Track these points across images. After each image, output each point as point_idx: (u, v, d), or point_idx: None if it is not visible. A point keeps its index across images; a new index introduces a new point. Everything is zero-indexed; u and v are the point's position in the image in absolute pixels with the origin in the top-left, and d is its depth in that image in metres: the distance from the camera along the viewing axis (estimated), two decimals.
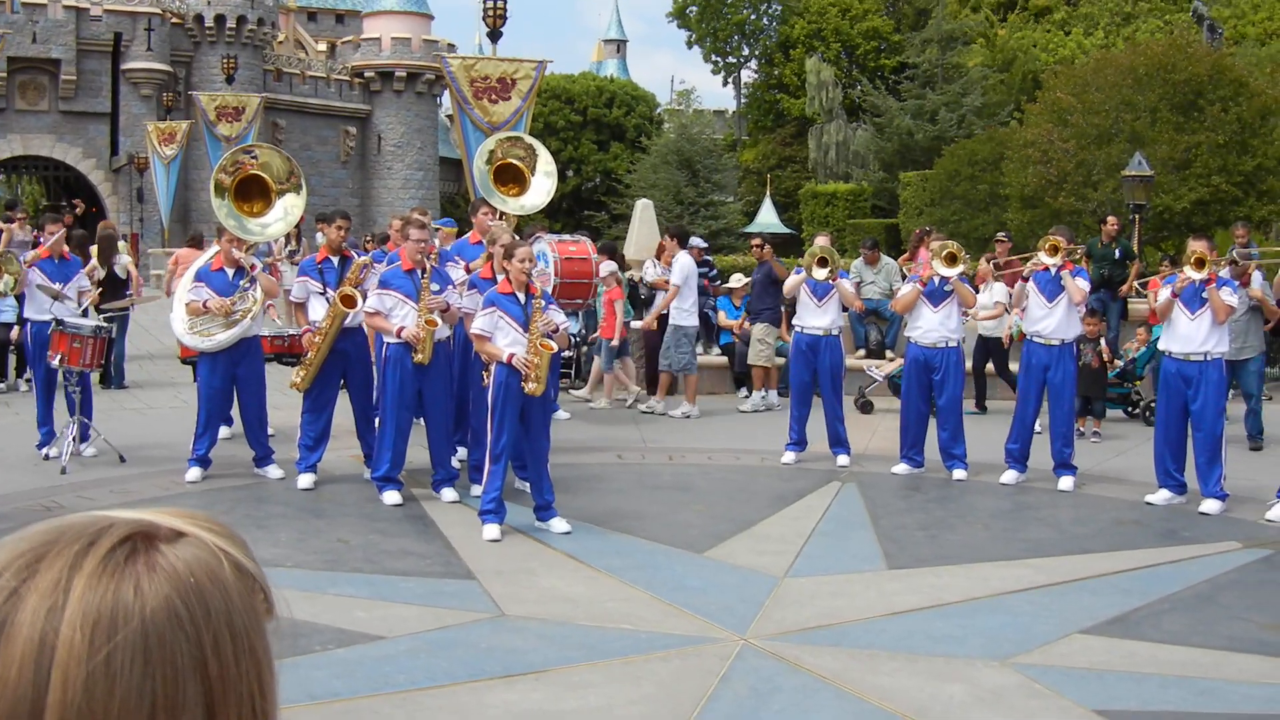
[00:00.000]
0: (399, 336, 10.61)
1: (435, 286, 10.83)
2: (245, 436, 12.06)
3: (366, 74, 59.71)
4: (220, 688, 1.04)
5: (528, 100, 21.40)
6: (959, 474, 12.33)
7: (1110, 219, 19.00)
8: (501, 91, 21.07)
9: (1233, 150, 24.73)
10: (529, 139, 14.11)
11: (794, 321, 13.52)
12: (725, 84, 64.44)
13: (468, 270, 11.76)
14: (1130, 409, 15.95)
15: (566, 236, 13.96)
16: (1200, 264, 11.03)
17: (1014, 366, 13.43)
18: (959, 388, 12.58)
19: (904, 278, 16.54)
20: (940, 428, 12.54)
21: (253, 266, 11.71)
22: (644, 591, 8.62)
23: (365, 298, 11.15)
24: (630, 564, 9.14)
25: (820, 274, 12.73)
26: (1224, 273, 11.66)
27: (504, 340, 9.77)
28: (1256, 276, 14.42)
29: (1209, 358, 11.22)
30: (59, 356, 11.85)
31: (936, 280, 12.39)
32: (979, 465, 12.53)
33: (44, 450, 12.36)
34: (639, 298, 18.05)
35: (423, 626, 7.80)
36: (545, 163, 13.46)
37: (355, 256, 11.87)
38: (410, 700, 6.59)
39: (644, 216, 22.37)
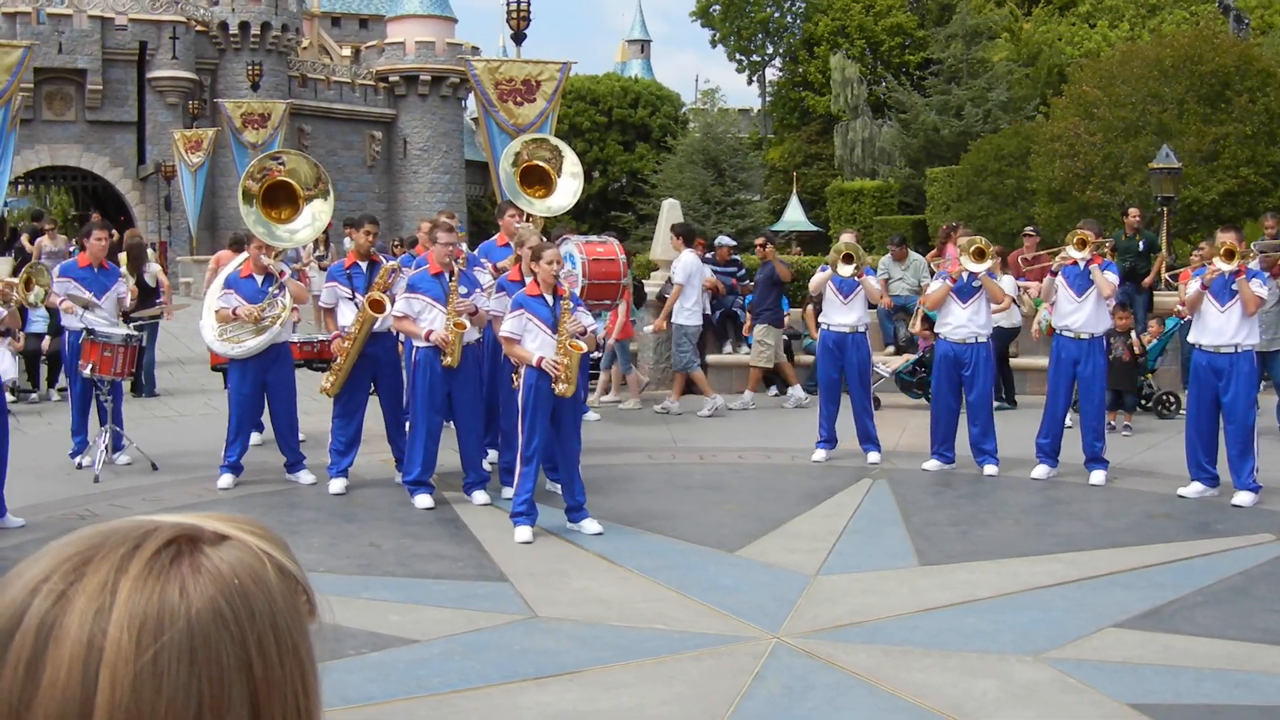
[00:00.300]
0: (427, 340, 10.61)
1: (463, 290, 10.79)
2: (276, 442, 12.12)
3: (391, 78, 59.88)
4: (265, 688, 1.06)
5: (553, 102, 21.44)
6: (990, 469, 12.31)
7: (1132, 211, 18.94)
8: (526, 93, 21.11)
9: (1261, 141, 24.59)
10: (554, 140, 14.09)
11: (820, 319, 13.52)
12: (750, 82, 64.40)
13: (495, 273, 11.78)
14: (1145, 402, 15.87)
15: (594, 238, 13.90)
16: (1230, 255, 10.99)
17: (1043, 361, 13.38)
18: (989, 383, 12.57)
19: (932, 274, 16.52)
20: (971, 423, 12.52)
21: (281, 273, 11.71)
22: (676, 591, 8.63)
23: (394, 302, 11.14)
24: (662, 564, 9.16)
25: (846, 270, 12.72)
26: (1253, 264, 11.62)
27: (533, 343, 9.79)
28: None
29: (1239, 349, 11.18)
30: (90, 365, 11.91)
31: (965, 276, 12.38)
32: (1010, 460, 12.50)
33: (77, 459, 12.44)
34: (662, 298, 18.08)
35: (456, 629, 7.83)
36: (571, 164, 13.46)
37: (384, 261, 11.88)
38: (444, 703, 6.62)
39: (670, 217, 22.35)
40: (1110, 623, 7.99)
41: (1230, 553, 9.67)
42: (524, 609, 8.26)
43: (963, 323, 12.43)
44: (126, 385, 13.72)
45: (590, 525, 9.98)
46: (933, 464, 12.57)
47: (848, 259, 12.73)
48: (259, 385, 11.76)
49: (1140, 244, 18.24)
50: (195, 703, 1.01)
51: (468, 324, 10.65)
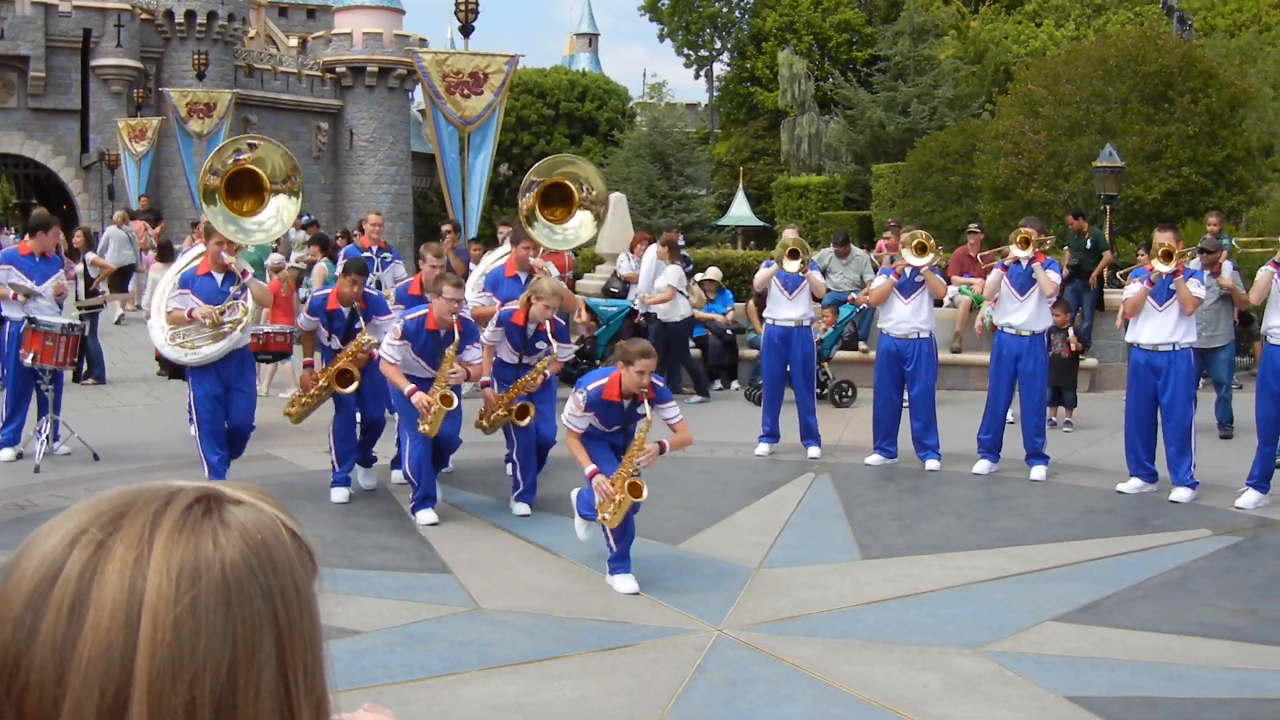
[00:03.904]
0: (409, 398, 9.90)
1: (453, 367, 10.00)
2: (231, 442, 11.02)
3: (338, 69, 59.52)
4: (289, 638, 1.13)
5: (500, 94, 21.42)
6: (932, 464, 12.39)
7: (1069, 218, 19.12)
8: (474, 86, 21.08)
9: (1202, 141, 24.83)
10: (584, 165, 13.28)
11: (765, 314, 13.56)
12: (697, 77, 64.54)
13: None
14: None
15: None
16: (1168, 257, 11.11)
17: (985, 357, 13.48)
18: (931, 378, 12.64)
19: (875, 269, 16.62)
20: (913, 418, 12.61)
21: (244, 272, 10.83)
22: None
23: (378, 343, 10.41)
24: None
25: (792, 266, 12.76)
26: (1192, 264, 11.75)
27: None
28: (1227, 266, 14.52)
29: (1177, 348, 11.31)
30: (32, 355, 11.80)
31: (907, 271, 12.46)
32: (952, 455, 12.59)
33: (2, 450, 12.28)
34: (610, 293, 18.11)
35: (399, 620, 7.83)
36: (596, 196, 12.74)
37: (366, 310, 10.95)
38: (387, 694, 6.61)
39: (617, 210, 22.36)
40: (1050, 616, 8.07)
41: (1168, 548, 9.79)
42: (467, 601, 8.26)
43: (905, 318, 12.50)
44: (68, 375, 13.59)
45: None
46: (875, 458, 12.65)
47: (794, 254, 12.77)
48: (222, 391, 10.79)
49: (1089, 242, 18.42)
50: (230, 646, 1.08)
51: (455, 399, 10.07)
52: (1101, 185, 19.89)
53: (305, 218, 24.14)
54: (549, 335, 10.35)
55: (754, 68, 57.25)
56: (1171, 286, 11.19)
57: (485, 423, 10.65)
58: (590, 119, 62.51)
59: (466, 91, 20.96)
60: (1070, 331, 14.96)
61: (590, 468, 8.48)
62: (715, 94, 63.61)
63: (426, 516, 10.03)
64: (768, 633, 7.71)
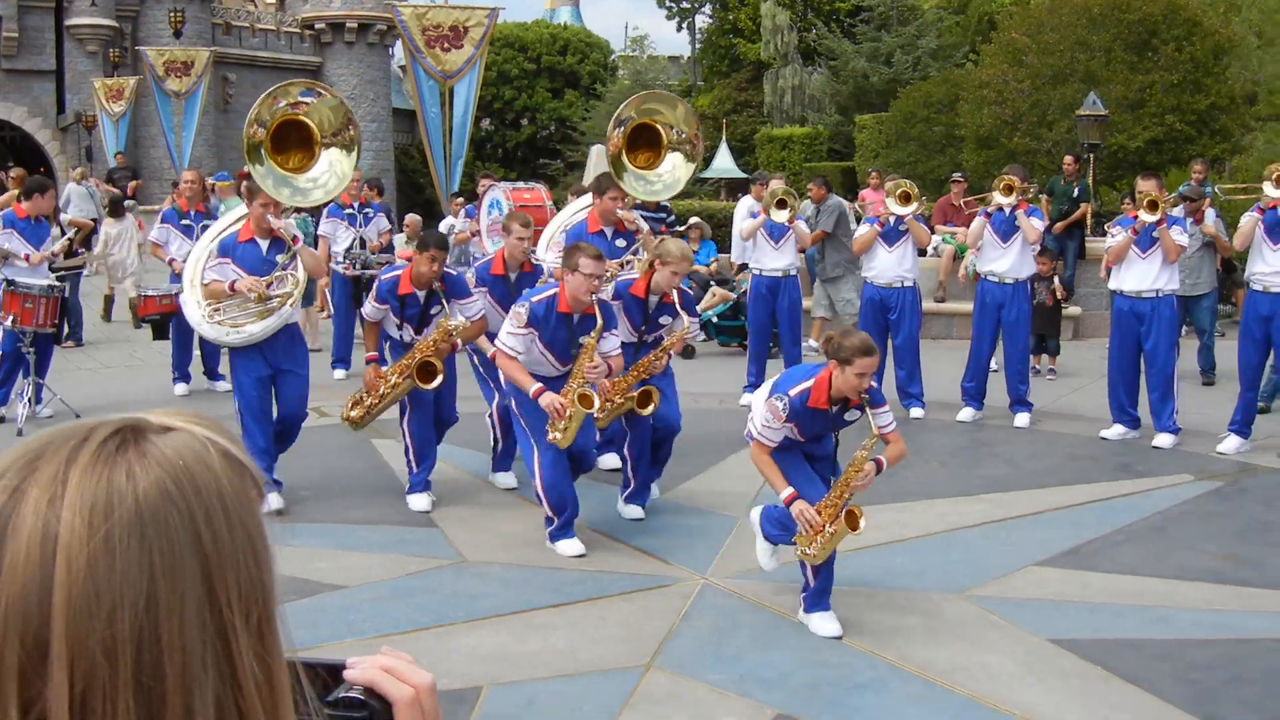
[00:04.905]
0: (535, 399, 8.09)
1: (594, 360, 8.24)
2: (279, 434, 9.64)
3: (317, 26, 59.06)
4: (216, 559, 1.11)
5: (480, 48, 21.32)
6: (916, 412, 12.42)
7: (1067, 159, 19.10)
8: (454, 40, 20.98)
9: (1186, 89, 24.77)
10: (679, 104, 11.42)
11: (751, 264, 13.55)
12: (679, 29, 64.13)
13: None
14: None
15: (520, 184, 13.80)
16: (1153, 206, 11.11)
17: (968, 305, 13.50)
18: (915, 327, 12.65)
19: (859, 219, 16.60)
20: (897, 366, 12.63)
21: (294, 239, 9.33)
22: (605, 534, 8.69)
23: (464, 324, 9.07)
24: (590, 506, 9.17)
25: (780, 216, 12.73)
26: (1176, 211, 11.76)
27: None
28: (1210, 213, 14.53)
29: (1160, 295, 11.33)
30: (12, 317, 11.76)
31: (891, 220, 12.45)
32: (936, 403, 12.62)
33: None
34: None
35: (385, 575, 7.85)
36: (686, 136, 11.06)
37: (446, 292, 9.11)
38: (374, 647, 6.56)
39: (598, 163, 22.33)
40: (1033, 561, 8.13)
41: (1150, 493, 9.85)
42: (453, 554, 8.28)
43: (889, 267, 12.50)
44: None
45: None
46: None
47: (781, 204, 12.75)
48: (267, 376, 9.35)
49: (1075, 190, 18.42)
50: (148, 574, 1.07)
51: (596, 400, 8.12)
52: (1085, 134, 19.88)
53: None
54: (676, 307, 8.94)
55: (736, 19, 56.96)
56: (1155, 234, 11.20)
57: (599, 414, 8.50)
58: (572, 73, 62.20)
59: (446, 45, 20.87)
60: (1055, 279, 14.98)
61: (787, 491, 6.92)
62: (697, 46, 63.31)
63: (569, 548, 8.23)
64: (753, 580, 7.75)
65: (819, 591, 6.99)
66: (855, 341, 6.66)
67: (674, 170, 10.93)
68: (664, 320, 9.04)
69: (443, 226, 18.47)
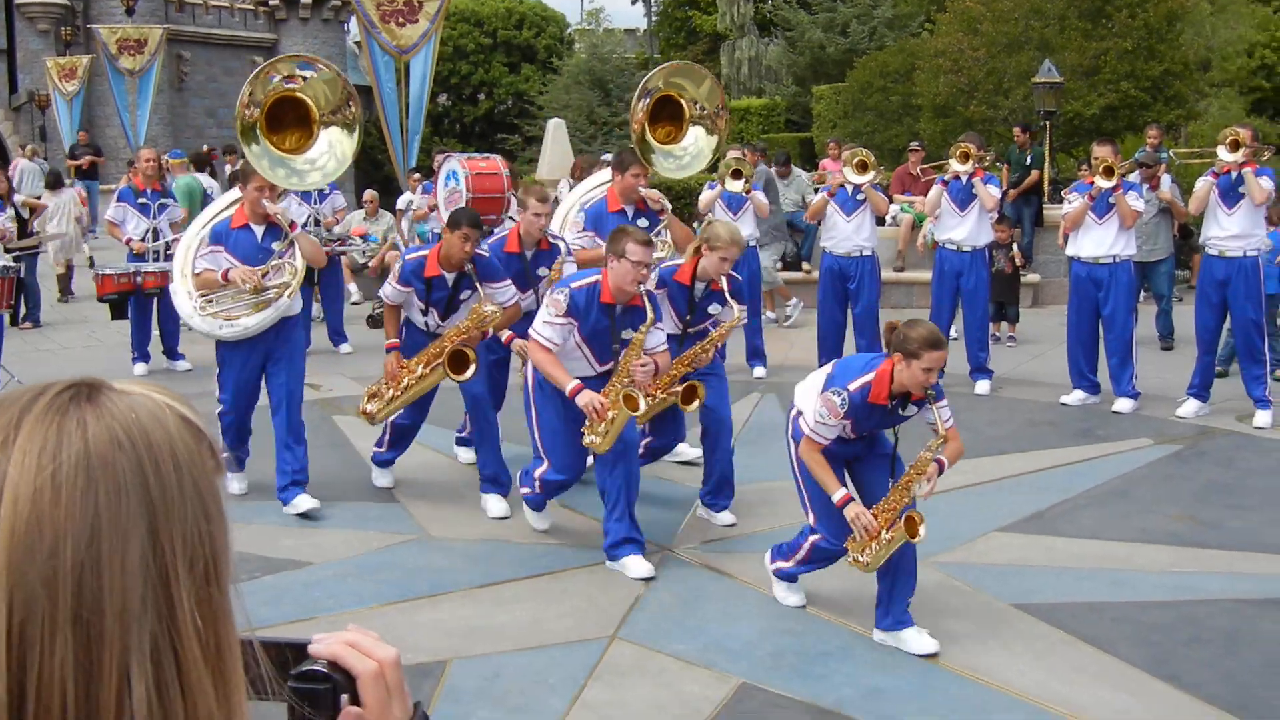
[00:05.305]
0: (571, 396, 7.42)
1: (642, 357, 7.56)
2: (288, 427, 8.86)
3: (271, 2, 58.67)
4: (163, 507, 1.13)
5: (435, 23, 21.16)
6: None
7: (1016, 130, 19.21)
8: (409, 14, 20.82)
9: (1140, 56, 24.85)
10: (703, 77, 10.77)
11: None
12: (634, 2, 64.04)
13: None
14: None
15: (476, 155, 13.69)
16: (1109, 173, 11.16)
17: (928, 274, 13.52)
18: (874, 296, 12.67)
19: (816, 190, 16.62)
20: (857, 336, 12.65)
21: (292, 225, 8.78)
22: (569, 508, 8.69)
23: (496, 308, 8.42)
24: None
25: (735, 186, 12.72)
26: (1132, 177, 11.81)
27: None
28: (1165, 179, 14.60)
29: (1118, 260, 11.39)
30: None
31: (849, 189, 12.46)
32: None
33: None
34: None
35: (350, 551, 7.84)
36: (709, 110, 10.46)
37: (478, 275, 8.42)
38: (339, 623, 6.58)
39: (556, 137, 22.36)
40: (995, 527, 8.19)
41: (1111, 457, 9.92)
42: (416, 529, 8.28)
43: (847, 235, 12.50)
44: (7, 318, 13.42)
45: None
46: None
47: (736, 174, 12.74)
48: (258, 369, 8.77)
49: (1029, 158, 18.52)
50: (93, 512, 1.09)
51: (642, 404, 7.46)
52: (1041, 101, 19.92)
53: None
54: (725, 295, 8.23)
55: None
56: (1111, 200, 11.25)
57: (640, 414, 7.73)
58: (528, 47, 61.98)
59: (401, 20, 20.70)
60: (1013, 247, 15.03)
61: (840, 493, 6.44)
62: (653, 19, 63.21)
63: (637, 566, 7.43)
64: (717, 551, 7.77)
65: (895, 602, 6.42)
66: (923, 332, 6.13)
67: (697, 143, 10.42)
68: (712, 310, 8.30)
69: (400, 203, 18.41)
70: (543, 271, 8.84)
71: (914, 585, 6.45)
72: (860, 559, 6.36)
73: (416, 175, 18.88)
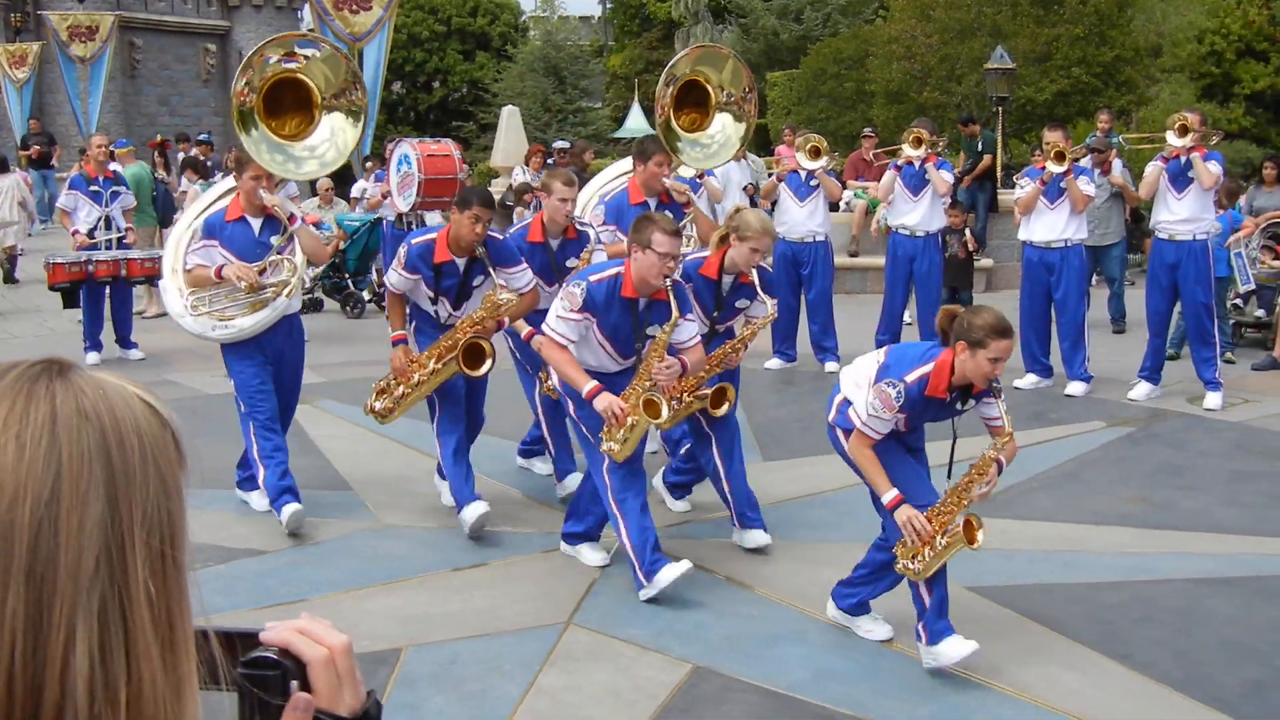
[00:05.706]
0: (589, 400, 6.89)
1: (665, 359, 6.94)
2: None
3: None
4: (124, 478, 1.16)
5: (389, 10, 21.10)
6: (831, 366, 12.47)
7: (959, 124, 19.36)
8: (362, 1, 20.73)
9: (1091, 42, 24.99)
10: (732, 61, 10.25)
11: None
12: None
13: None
14: None
15: (428, 139, 13.62)
16: (1060, 157, 11.22)
17: (882, 259, 13.55)
18: (828, 281, 12.71)
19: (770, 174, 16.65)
20: (811, 321, 12.69)
21: (291, 218, 8.09)
22: (522, 494, 8.68)
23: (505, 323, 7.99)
24: (508, 468, 9.20)
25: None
26: (1084, 162, 11.88)
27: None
28: (1117, 164, 14.70)
29: (1069, 245, 11.47)
30: None
31: (802, 175, 12.48)
32: (850, 357, 12.49)
33: None
34: (506, 205, 17.99)
35: (304, 539, 7.80)
36: (736, 97, 10.02)
37: (488, 260, 7.71)
38: (293, 612, 6.55)
39: (510, 124, 22.35)
40: None
41: (1064, 440, 9.99)
42: (370, 516, 8.25)
43: (800, 221, 12.54)
44: None
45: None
46: (774, 362, 12.72)
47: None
48: (265, 365, 8.16)
49: (979, 145, 18.62)
50: (54, 472, 1.12)
51: (665, 408, 6.92)
52: (993, 87, 20.01)
53: (205, 136, 23.74)
54: (755, 289, 7.61)
55: None
56: (1062, 184, 11.32)
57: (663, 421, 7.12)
58: (483, 34, 61.75)
59: (355, 7, 20.63)
60: (966, 232, 15.09)
61: (891, 494, 6.03)
62: (608, 6, 63.08)
63: (591, 555, 7.33)
64: (672, 536, 7.77)
65: (935, 615, 5.96)
66: (989, 319, 5.68)
67: (724, 130, 9.98)
68: (740, 304, 7.67)
69: (354, 190, 18.35)
70: (571, 262, 8.31)
71: (946, 591, 6.08)
72: (911, 566, 5.91)
73: (370, 163, 18.81)
